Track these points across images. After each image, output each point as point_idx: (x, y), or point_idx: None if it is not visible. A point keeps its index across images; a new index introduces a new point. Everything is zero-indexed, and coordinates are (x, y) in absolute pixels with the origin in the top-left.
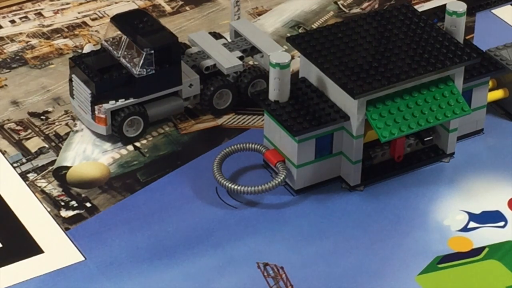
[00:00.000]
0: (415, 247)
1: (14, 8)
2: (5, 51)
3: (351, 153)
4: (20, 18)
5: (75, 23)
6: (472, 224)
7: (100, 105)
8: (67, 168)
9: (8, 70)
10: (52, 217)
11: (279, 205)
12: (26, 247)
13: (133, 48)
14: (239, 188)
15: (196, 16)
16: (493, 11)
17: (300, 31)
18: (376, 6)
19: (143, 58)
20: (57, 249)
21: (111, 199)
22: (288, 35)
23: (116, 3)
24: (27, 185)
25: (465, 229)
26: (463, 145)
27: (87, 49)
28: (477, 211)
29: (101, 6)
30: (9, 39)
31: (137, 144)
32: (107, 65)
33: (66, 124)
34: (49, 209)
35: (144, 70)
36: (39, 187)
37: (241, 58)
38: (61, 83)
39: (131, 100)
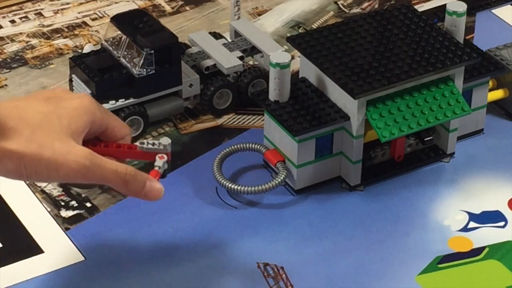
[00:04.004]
0: (415, 247)
1: (14, 8)
2: (5, 51)
3: (351, 153)
4: (20, 18)
5: (75, 23)
6: (472, 224)
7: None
8: None
9: (8, 70)
10: (52, 217)
11: (279, 205)
12: (26, 247)
13: (133, 48)
14: (239, 188)
15: (196, 16)
16: (493, 11)
17: (300, 31)
18: (376, 6)
19: (143, 58)
20: (57, 249)
21: (111, 199)
22: (288, 35)
23: (116, 3)
24: (27, 185)
25: (465, 229)
26: (463, 145)
27: (87, 49)
28: (477, 211)
29: (101, 6)
30: (9, 39)
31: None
32: (107, 65)
33: None
34: (49, 209)
35: (144, 70)
36: (39, 187)
37: (241, 58)
38: (61, 83)
39: (131, 100)
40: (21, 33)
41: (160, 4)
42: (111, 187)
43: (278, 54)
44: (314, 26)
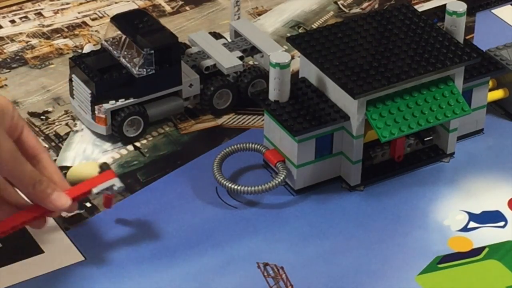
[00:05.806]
0: (415, 247)
1: (14, 8)
2: (5, 51)
3: (351, 153)
4: (20, 18)
5: (75, 23)
6: (472, 224)
7: (100, 105)
8: (67, 168)
9: (8, 70)
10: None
11: (279, 205)
12: (26, 247)
13: (133, 48)
14: (239, 188)
15: (196, 16)
16: (493, 11)
17: (300, 31)
18: (376, 6)
19: (143, 58)
20: (57, 249)
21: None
22: (288, 35)
23: (116, 3)
24: None
25: (465, 229)
26: (463, 145)
27: (87, 49)
28: (477, 211)
29: (101, 6)
30: (9, 39)
31: (137, 144)
32: (107, 65)
33: (66, 124)
34: None
35: (144, 70)
36: None
37: (241, 58)
38: (61, 83)
39: (131, 100)
40: (21, 33)
41: (160, 4)
42: (17, 186)
43: (278, 54)
44: (314, 26)
